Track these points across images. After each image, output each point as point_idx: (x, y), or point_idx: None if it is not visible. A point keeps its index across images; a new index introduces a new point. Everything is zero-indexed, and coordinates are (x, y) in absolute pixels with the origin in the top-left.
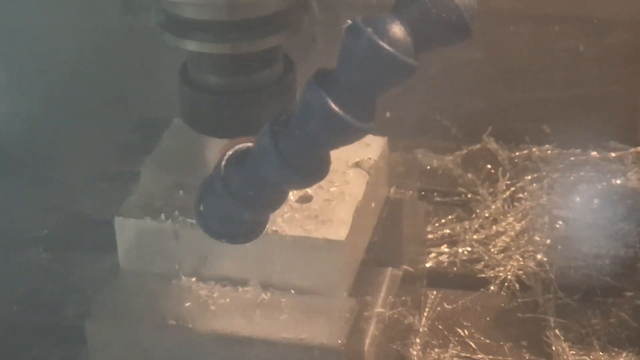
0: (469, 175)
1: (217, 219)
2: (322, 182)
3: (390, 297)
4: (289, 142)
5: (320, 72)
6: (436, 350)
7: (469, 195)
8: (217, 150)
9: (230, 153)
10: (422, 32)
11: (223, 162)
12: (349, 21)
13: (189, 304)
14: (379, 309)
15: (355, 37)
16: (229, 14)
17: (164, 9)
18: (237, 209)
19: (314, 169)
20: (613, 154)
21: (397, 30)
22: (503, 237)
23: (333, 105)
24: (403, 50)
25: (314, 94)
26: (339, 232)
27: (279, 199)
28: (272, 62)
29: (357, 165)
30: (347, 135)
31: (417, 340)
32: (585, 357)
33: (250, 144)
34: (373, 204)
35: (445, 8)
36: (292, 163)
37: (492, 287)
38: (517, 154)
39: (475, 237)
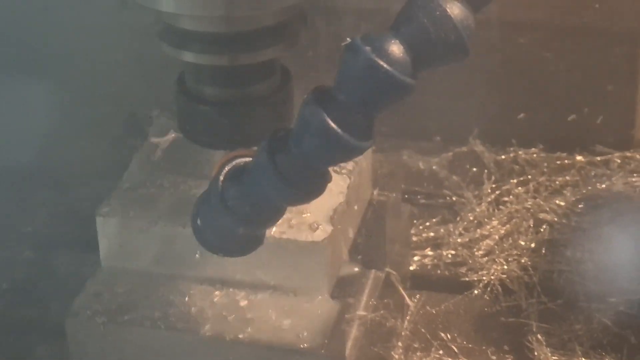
0: (455, 177)
1: (214, 233)
2: None
3: (373, 299)
4: (286, 159)
5: (319, 89)
6: (418, 353)
7: (454, 198)
8: (200, 151)
9: (228, 168)
10: (421, 51)
11: (221, 177)
12: (347, 39)
13: (170, 303)
14: (361, 312)
15: (354, 55)
16: (226, 26)
17: (163, 20)
18: (234, 223)
19: (312, 186)
20: (599, 158)
21: (396, 49)
22: (487, 241)
23: (331, 123)
24: (401, 69)
25: (312, 111)
26: (320, 233)
27: (277, 215)
28: (269, 74)
29: (340, 167)
30: (345, 153)
31: (400, 343)
32: None
33: (248, 159)
34: (356, 207)
35: (443, 27)
36: (289, 180)
37: (475, 291)
38: (503, 156)
39: (459, 240)
